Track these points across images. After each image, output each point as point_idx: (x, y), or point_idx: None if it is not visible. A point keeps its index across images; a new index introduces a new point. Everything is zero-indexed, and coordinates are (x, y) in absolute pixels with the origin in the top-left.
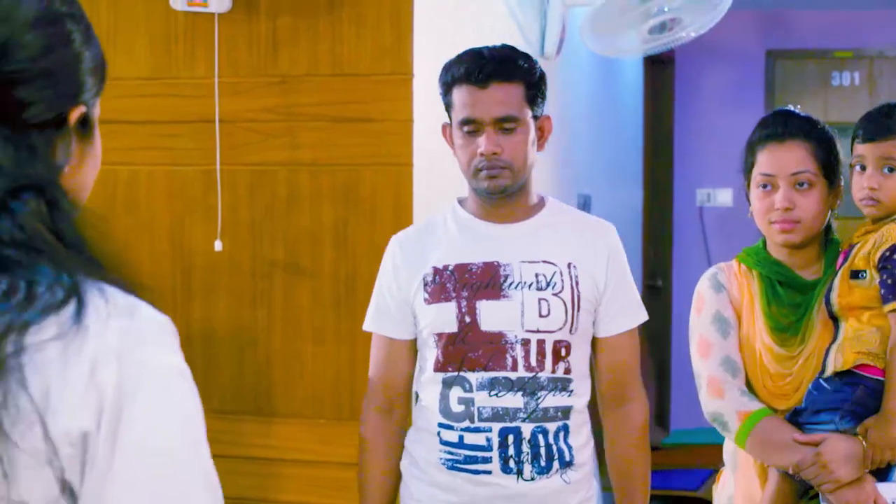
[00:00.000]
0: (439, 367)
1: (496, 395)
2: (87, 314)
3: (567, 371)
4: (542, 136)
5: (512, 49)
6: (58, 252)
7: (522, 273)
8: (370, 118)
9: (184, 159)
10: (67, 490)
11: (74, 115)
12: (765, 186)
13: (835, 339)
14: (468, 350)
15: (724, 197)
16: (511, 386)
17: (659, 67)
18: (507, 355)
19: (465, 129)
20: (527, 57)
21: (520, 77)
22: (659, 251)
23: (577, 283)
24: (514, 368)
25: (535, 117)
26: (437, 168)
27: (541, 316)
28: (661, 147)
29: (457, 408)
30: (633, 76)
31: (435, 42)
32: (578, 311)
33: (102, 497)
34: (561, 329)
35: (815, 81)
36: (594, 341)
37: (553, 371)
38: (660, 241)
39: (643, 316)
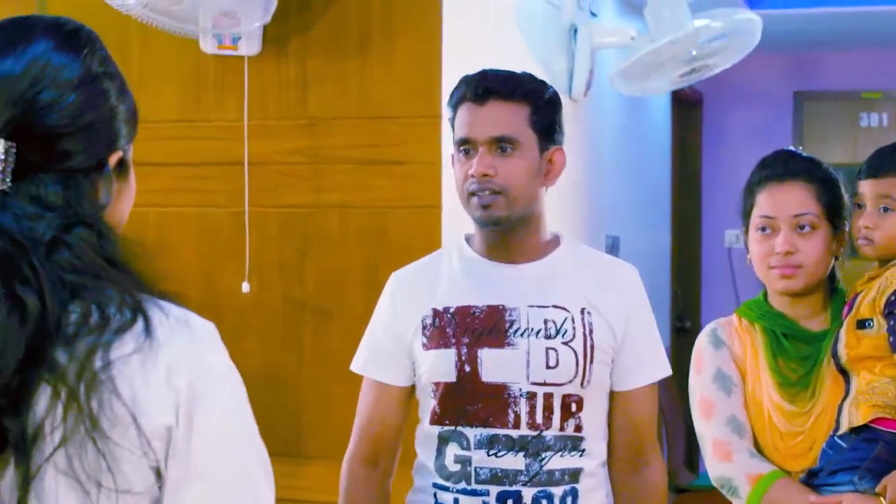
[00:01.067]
0: (436, 419)
1: (495, 454)
2: (155, 328)
3: (578, 428)
4: (551, 169)
5: (525, 73)
6: (113, 276)
7: (530, 319)
8: (399, 160)
9: (213, 201)
10: (159, 476)
11: (113, 159)
12: (764, 230)
13: (847, 393)
14: (467, 403)
15: None
16: (512, 445)
17: (687, 109)
18: (510, 410)
19: (461, 149)
20: (537, 81)
21: (523, 97)
22: (687, 293)
23: (591, 332)
24: (517, 426)
25: (544, 146)
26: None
27: (548, 367)
28: (689, 188)
29: (453, 467)
30: (661, 117)
31: None
32: (591, 362)
33: (185, 477)
34: (571, 382)
35: (843, 123)
36: (611, 396)
37: (561, 428)
38: (688, 282)
39: (666, 369)
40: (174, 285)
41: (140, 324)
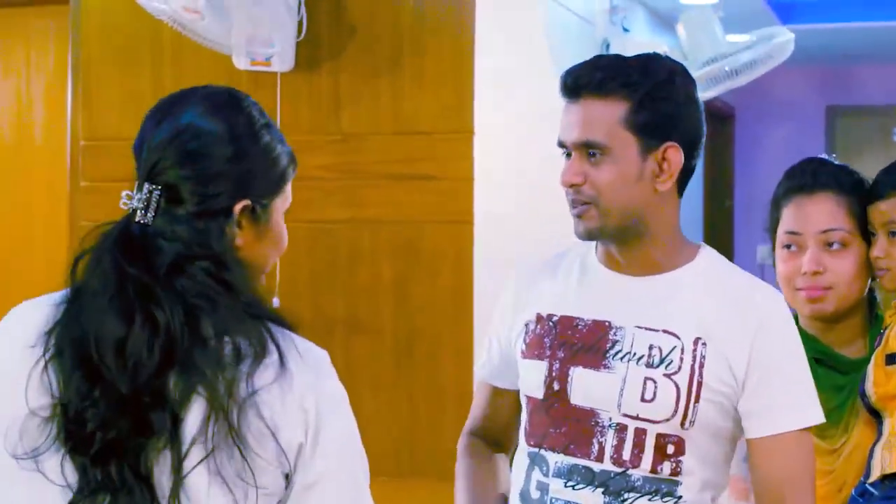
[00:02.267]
0: (527, 436)
1: (573, 486)
2: (287, 360)
3: (675, 472)
4: (663, 170)
5: (644, 56)
6: (225, 300)
7: (635, 341)
8: (431, 176)
9: None
10: (288, 480)
11: (237, 207)
12: (789, 247)
13: (879, 435)
14: (551, 424)
15: None
16: (591, 479)
17: (719, 123)
18: (595, 440)
19: (562, 152)
20: (649, 67)
21: (618, 92)
22: None
23: (701, 366)
24: (600, 458)
25: (649, 146)
26: (499, 226)
27: (643, 400)
28: (721, 204)
29: (534, 493)
30: None
31: (496, 100)
32: (697, 401)
33: (310, 482)
34: (668, 420)
35: (876, 137)
36: (748, 445)
37: (653, 471)
38: None
39: (811, 417)
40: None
41: (275, 355)
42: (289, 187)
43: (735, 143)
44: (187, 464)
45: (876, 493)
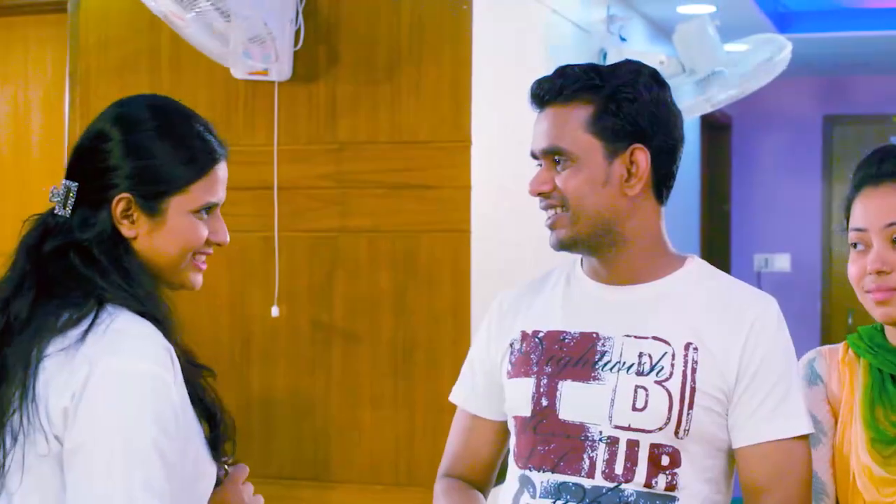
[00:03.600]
0: (515, 459)
1: None
2: (90, 334)
3: (671, 487)
4: (632, 174)
5: (610, 64)
6: (76, 283)
7: (624, 351)
8: (429, 185)
9: (243, 225)
10: (59, 442)
11: (115, 200)
12: (856, 245)
13: None
14: (538, 442)
15: (781, 262)
16: (582, 496)
17: (716, 132)
18: (585, 455)
19: (535, 164)
20: (612, 72)
21: (580, 97)
22: None
23: (693, 371)
24: (591, 475)
25: (616, 150)
26: (496, 235)
27: (634, 409)
28: (718, 212)
29: None
30: (691, 140)
31: (493, 110)
32: (691, 408)
33: (71, 450)
34: (661, 430)
35: (873, 146)
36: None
37: (648, 485)
38: None
39: (800, 426)
40: (204, 308)
41: (82, 328)
42: (199, 188)
43: (732, 152)
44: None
45: None
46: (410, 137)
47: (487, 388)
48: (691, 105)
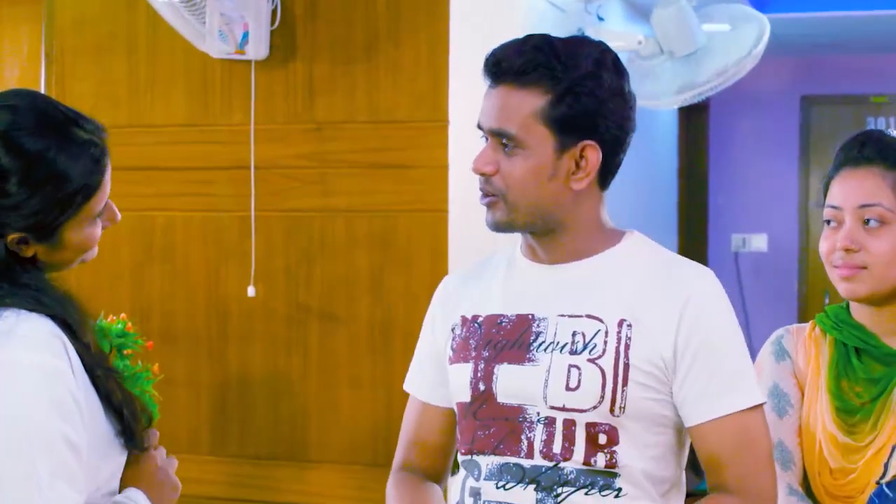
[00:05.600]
0: (459, 445)
1: (503, 486)
2: None
3: (611, 465)
4: (580, 168)
5: (570, 43)
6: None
7: (558, 330)
8: (406, 165)
9: (219, 205)
10: None
11: (10, 239)
12: (829, 222)
13: None
14: (478, 427)
15: (758, 242)
16: (522, 476)
17: (694, 113)
18: (523, 437)
19: (480, 135)
20: (574, 55)
21: (538, 84)
22: None
23: (626, 348)
24: (530, 455)
25: (566, 143)
26: (474, 215)
27: (568, 388)
28: (695, 192)
29: (468, 501)
30: (668, 122)
31: (470, 89)
32: (625, 384)
33: None
34: (595, 408)
35: (851, 127)
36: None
37: (587, 462)
38: None
39: (753, 397)
40: (180, 289)
41: None
42: (92, 203)
43: (709, 133)
44: None
45: (891, 494)
46: (388, 117)
47: (435, 375)
48: (674, 99)
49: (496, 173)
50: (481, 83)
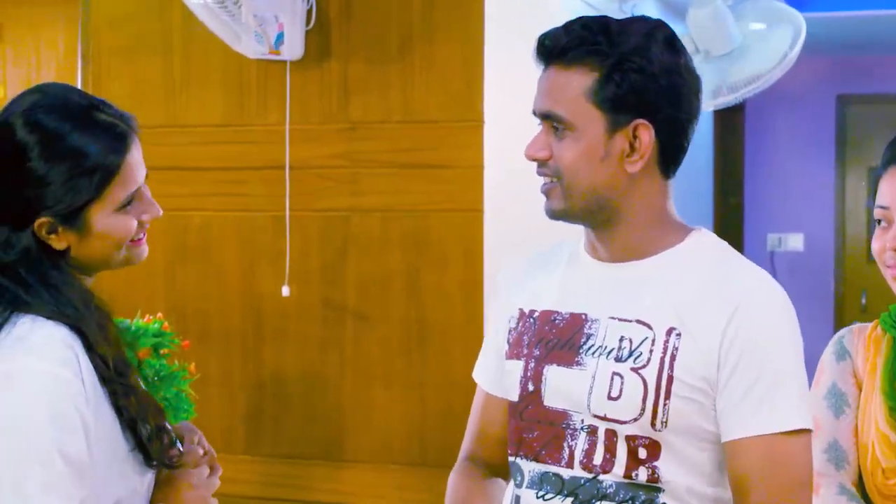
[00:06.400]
0: (508, 444)
1: (543, 496)
2: None
3: (653, 479)
4: (634, 149)
5: (620, 21)
6: (14, 294)
7: (608, 334)
8: (441, 165)
9: (254, 205)
10: None
11: (37, 224)
12: (879, 222)
13: None
14: (524, 429)
15: (795, 242)
16: (560, 487)
17: (729, 113)
18: (565, 444)
19: (536, 122)
20: (622, 34)
21: (583, 62)
22: None
23: (672, 358)
24: (569, 464)
25: (618, 123)
26: (508, 214)
27: (610, 397)
28: (731, 192)
29: None
30: (703, 122)
31: (505, 89)
32: (668, 398)
33: None
34: (636, 420)
35: (887, 126)
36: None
37: (628, 475)
38: None
39: (790, 420)
40: (215, 288)
41: None
42: (115, 187)
43: (745, 133)
44: None
45: None
46: (422, 117)
47: (497, 365)
48: (711, 102)
49: (550, 158)
50: (515, 82)
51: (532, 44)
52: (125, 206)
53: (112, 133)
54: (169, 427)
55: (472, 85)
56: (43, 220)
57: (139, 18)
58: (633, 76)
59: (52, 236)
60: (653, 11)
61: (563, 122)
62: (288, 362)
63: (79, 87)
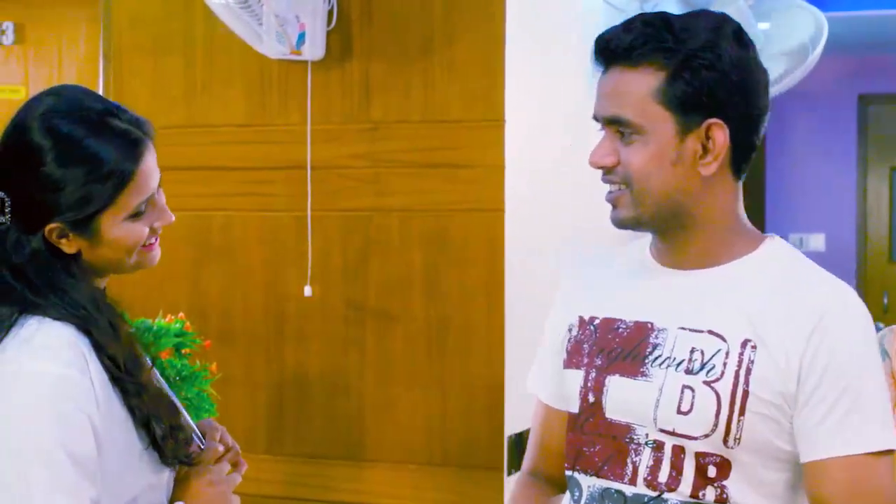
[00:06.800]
0: (565, 457)
1: None
2: (6, 340)
3: (721, 499)
4: (707, 150)
5: (684, 16)
6: (22, 295)
7: (676, 344)
8: (462, 164)
9: (276, 205)
10: None
11: (48, 229)
12: None
13: None
14: (585, 442)
15: (816, 242)
16: None
17: None
18: (629, 460)
19: (597, 128)
20: (688, 29)
21: (650, 60)
22: None
23: (748, 372)
24: (633, 481)
25: (689, 124)
26: (530, 214)
27: (679, 412)
28: (752, 192)
29: None
30: None
31: (526, 88)
32: (742, 414)
33: None
34: (707, 437)
35: None
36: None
37: (695, 495)
38: None
39: (875, 440)
40: (237, 288)
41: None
42: (127, 195)
43: (766, 133)
44: None
45: None
46: (443, 116)
47: (555, 375)
48: None
49: (617, 164)
50: (537, 81)
51: (553, 44)
52: (137, 214)
53: (127, 140)
54: (186, 423)
55: (493, 84)
56: (53, 225)
57: (161, 19)
58: (704, 73)
59: (63, 240)
60: (673, 10)
61: (630, 126)
62: (310, 362)
63: (100, 87)
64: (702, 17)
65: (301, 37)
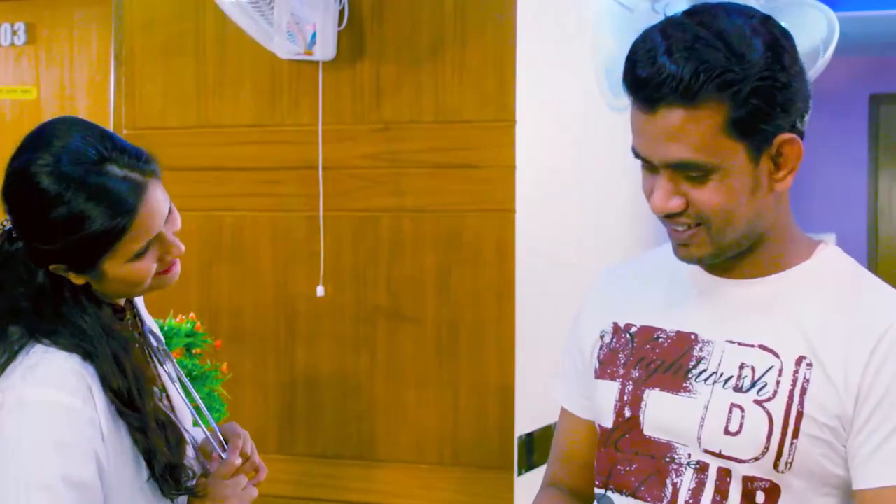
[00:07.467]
0: (595, 473)
1: None
2: (11, 367)
3: None
4: (780, 166)
5: (720, 32)
6: (31, 320)
7: (724, 358)
8: (473, 164)
9: (288, 205)
10: None
11: (53, 268)
12: None
13: None
14: (619, 460)
15: None
16: None
17: None
18: (668, 481)
19: (640, 164)
20: (742, 50)
21: (712, 96)
22: None
23: (802, 392)
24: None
25: (762, 145)
26: (541, 215)
27: (727, 432)
28: None
29: None
30: None
31: (538, 88)
32: (795, 436)
33: None
34: (757, 460)
35: None
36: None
37: None
38: None
39: None
40: (248, 288)
41: (6, 363)
42: (128, 240)
43: None
44: None
45: None
46: (455, 117)
47: (580, 383)
48: None
49: (687, 207)
50: (548, 82)
51: (564, 45)
52: (140, 254)
53: (122, 190)
54: (190, 460)
55: (504, 85)
56: (56, 266)
57: (172, 20)
58: (769, 93)
59: (70, 274)
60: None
61: (701, 168)
62: (321, 362)
63: (111, 88)
64: (749, 34)
65: (313, 37)
